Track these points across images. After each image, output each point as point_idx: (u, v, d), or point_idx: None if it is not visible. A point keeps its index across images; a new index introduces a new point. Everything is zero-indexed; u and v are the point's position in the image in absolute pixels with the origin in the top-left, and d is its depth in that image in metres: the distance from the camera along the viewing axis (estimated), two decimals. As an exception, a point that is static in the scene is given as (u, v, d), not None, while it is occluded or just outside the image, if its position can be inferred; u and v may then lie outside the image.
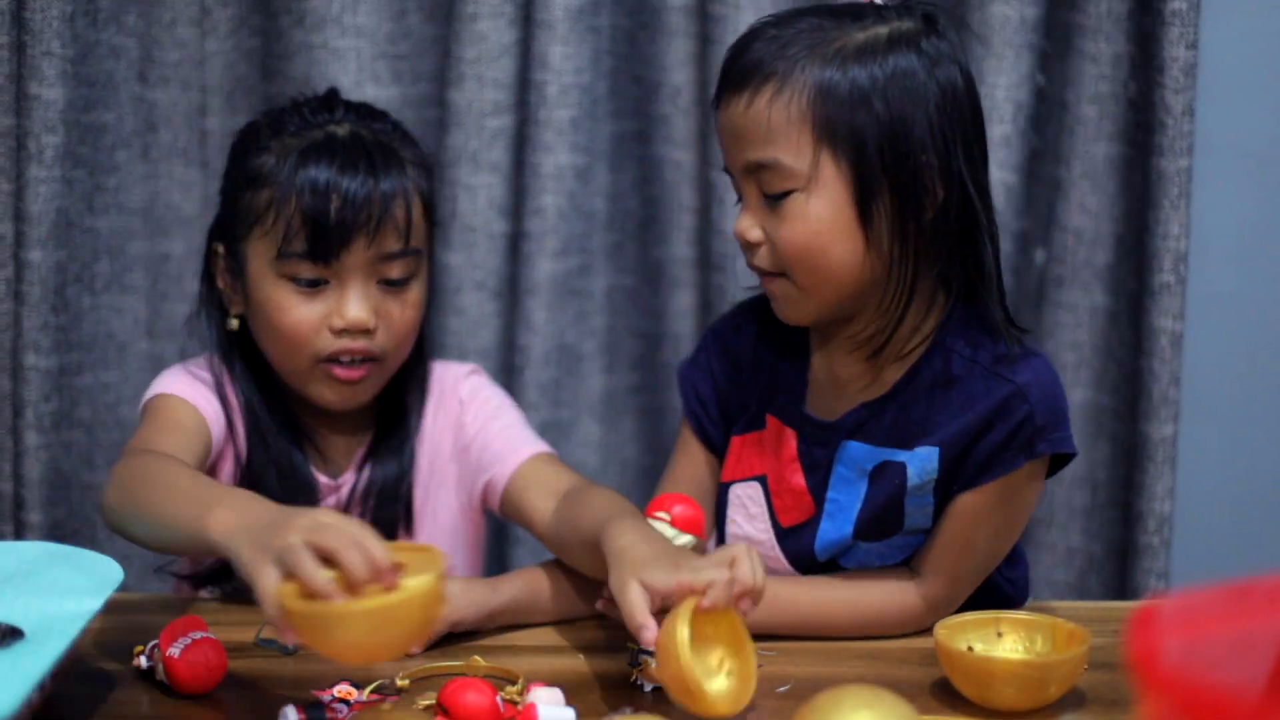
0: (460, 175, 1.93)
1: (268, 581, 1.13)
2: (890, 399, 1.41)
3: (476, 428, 1.60)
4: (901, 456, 1.39)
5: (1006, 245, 1.90)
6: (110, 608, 1.26)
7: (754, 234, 1.38)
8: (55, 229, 1.86)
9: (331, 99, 1.59)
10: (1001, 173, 1.87)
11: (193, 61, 1.95)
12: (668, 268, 2.00)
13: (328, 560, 1.13)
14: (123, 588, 1.28)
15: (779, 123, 1.34)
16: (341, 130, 1.53)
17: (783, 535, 1.46)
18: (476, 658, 1.34)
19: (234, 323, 1.56)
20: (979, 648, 1.30)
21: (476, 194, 1.94)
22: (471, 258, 1.96)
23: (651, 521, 1.36)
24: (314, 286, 1.51)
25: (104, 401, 1.95)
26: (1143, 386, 1.88)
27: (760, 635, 1.28)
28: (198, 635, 1.28)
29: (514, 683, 1.29)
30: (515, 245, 1.96)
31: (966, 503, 1.38)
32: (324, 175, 1.49)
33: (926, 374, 1.40)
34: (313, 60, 1.92)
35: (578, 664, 1.36)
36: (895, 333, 1.38)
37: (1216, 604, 0.87)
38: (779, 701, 1.26)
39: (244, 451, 1.55)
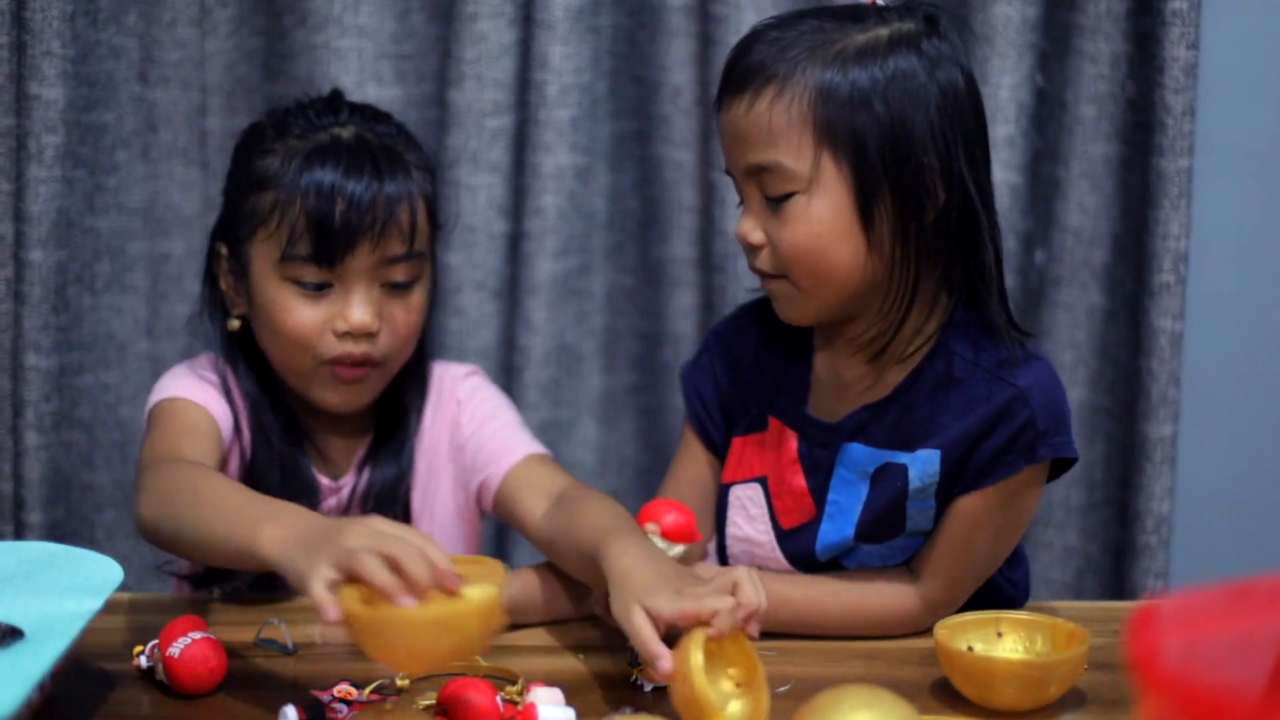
0: (460, 175, 1.93)
1: (323, 583, 1.13)
2: (892, 401, 1.41)
3: (473, 428, 1.60)
4: (903, 459, 1.39)
5: (1011, 245, 1.90)
6: (110, 608, 1.26)
7: (755, 236, 1.38)
8: (55, 229, 1.86)
9: (336, 100, 1.59)
10: (1005, 173, 1.87)
11: (193, 61, 1.95)
12: (668, 268, 2.00)
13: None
14: (123, 588, 1.28)
15: (780, 125, 1.34)
16: (346, 133, 1.53)
17: (783, 536, 1.46)
18: (477, 658, 1.34)
19: (235, 323, 1.56)
20: (979, 648, 1.30)
21: (476, 194, 1.94)
22: (471, 258, 1.96)
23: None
24: (318, 289, 1.50)
25: (104, 402, 1.95)
26: (1142, 386, 1.88)
27: (759, 634, 1.28)
28: (198, 635, 1.28)
29: (514, 683, 1.29)
30: (515, 245, 1.96)
31: (967, 506, 1.38)
32: (329, 178, 1.48)
33: (928, 376, 1.40)
34: (315, 60, 1.92)
35: (578, 664, 1.36)
36: (897, 335, 1.38)
37: (1216, 604, 0.87)
38: (779, 701, 1.26)
39: (248, 452, 1.55)
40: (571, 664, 1.36)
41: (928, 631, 1.34)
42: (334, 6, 1.91)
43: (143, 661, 1.31)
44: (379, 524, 1.18)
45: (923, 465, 1.38)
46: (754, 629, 1.22)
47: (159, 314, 1.98)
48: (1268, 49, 1.92)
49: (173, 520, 1.31)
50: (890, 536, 1.41)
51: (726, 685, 1.22)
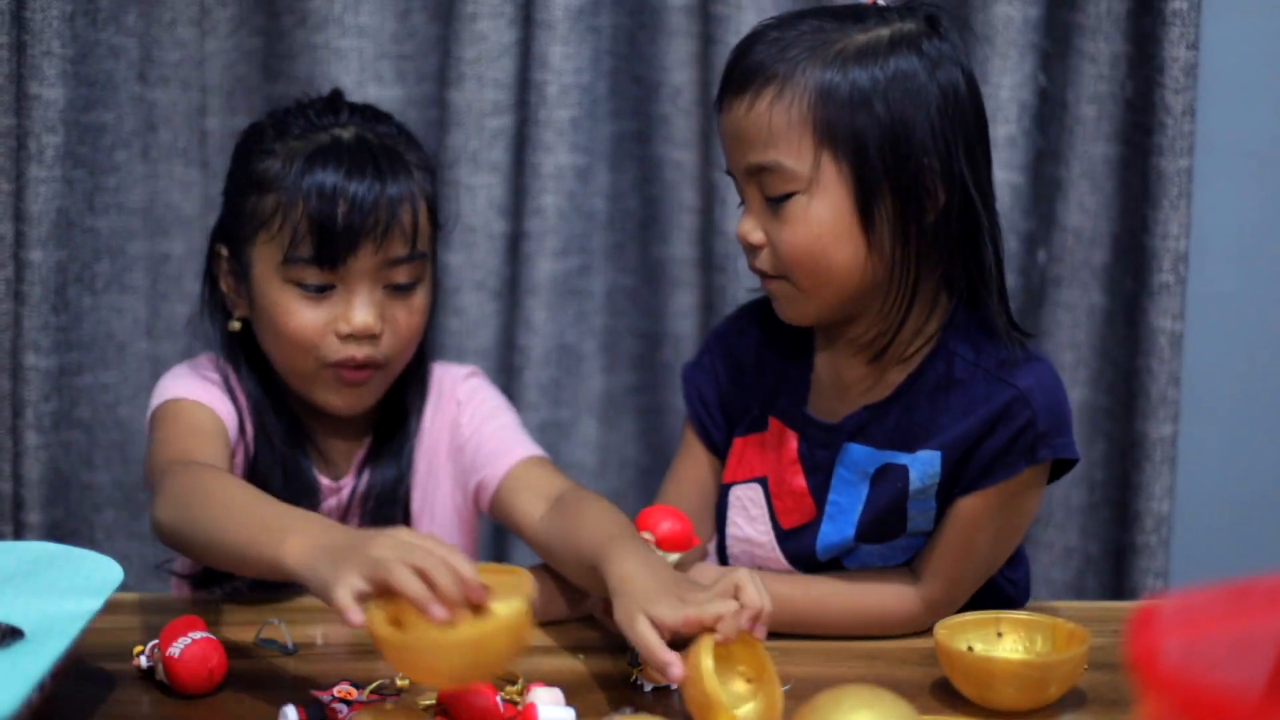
0: (460, 175, 1.93)
1: (349, 591, 1.13)
2: (893, 402, 1.41)
3: (472, 428, 1.60)
4: (903, 459, 1.39)
5: (1013, 246, 1.90)
6: (110, 608, 1.26)
7: (756, 236, 1.38)
8: (55, 229, 1.86)
9: (336, 101, 1.58)
10: (1006, 173, 1.87)
11: (193, 61, 1.95)
12: (668, 268, 2.00)
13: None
14: (123, 588, 1.28)
15: (780, 126, 1.34)
16: (346, 133, 1.52)
17: (783, 537, 1.46)
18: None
19: (236, 325, 1.56)
20: (979, 648, 1.30)
21: (476, 194, 1.94)
22: (471, 258, 1.96)
23: None
24: (320, 291, 1.50)
25: (103, 402, 1.95)
26: (1141, 386, 1.88)
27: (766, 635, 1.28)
28: (198, 635, 1.28)
29: (514, 683, 1.29)
30: (515, 245, 1.96)
31: (967, 507, 1.38)
32: (331, 180, 1.48)
33: (929, 377, 1.40)
34: (315, 60, 1.92)
35: (577, 664, 1.36)
36: (897, 335, 1.38)
37: (1216, 604, 0.87)
38: (779, 701, 1.26)
39: (250, 452, 1.54)
40: (571, 664, 1.36)
41: (928, 631, 1.34)
42: (334, 6, 1.91)
43: (143, 661, 1.31)
44: (405, 535, 1.18)
45: (923, 466, 1.38)
46: (761, 631, 1.22)
47: (159, 314, 1.98)
48: (1268, 49, 1.92)
49: (191, 526, 1.31)
50: (891, 537, 1.41)
51: (739, 687, 1.23)
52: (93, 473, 1.94)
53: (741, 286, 1.85)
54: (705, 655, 1.18)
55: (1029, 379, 1.36)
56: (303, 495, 1.53)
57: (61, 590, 1.25)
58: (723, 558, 1.51)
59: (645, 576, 1.25)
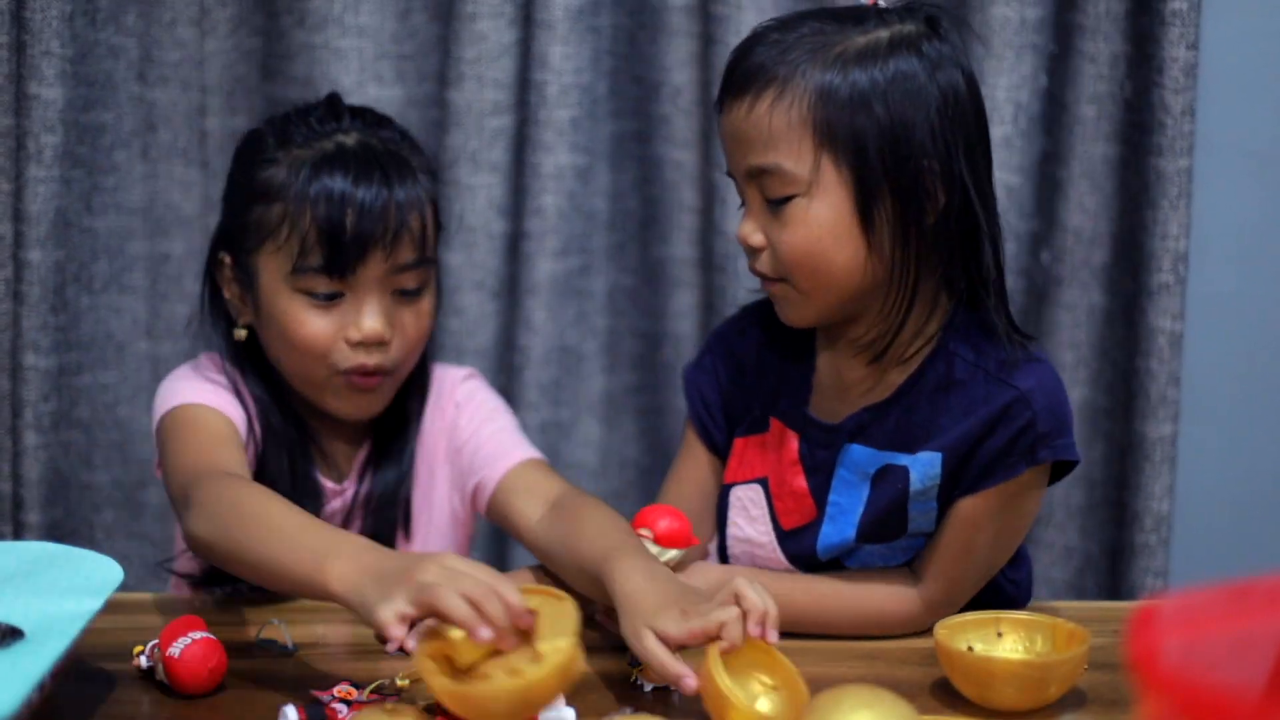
0: (460, 175, 1.93)
1: (391, 611, 1.14)
2: (893, 402, 1.41)
3: (470, 430, 1.60)
4: (904, 460, 1.39)
5: (1012, 247, 1.90)
6: (110, 608, 1.26)
7: (756, 239, 1.38)
8: (54, 229, 1.86)
9: (336, 106, 1.57)
10: (1001, 174, 1.87)
11: (192, 61, 1.95)
12: (668, 268, 2.00)
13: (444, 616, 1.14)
14: (123, 588, 1.28)
15: (780, 128, 1.34)
16: (350, 140, 1.51)
17: (784, 537, 1.46)
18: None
19: (241, 333, 1.55)
20: (979, 648, 1.30)
21: (476, 194, 1.94)
22: (471, 258, 1.96)
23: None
24: (329, 299, 1.50)
25: (102, 401, 1.95)
26: (1141, 386, 1.88)
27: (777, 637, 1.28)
28: (198, 635, 1.28)
29: (514, 683, 1.29)
30: (515, 245, 1.96)
31: (967, 508, 1.38)
32: (338, 188, 1.47)
33: (929, 378, 1.40)
34: (314, 60, 1.92)
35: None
36: (898, 336, 1.38)
37: (1216, 604, 0.87)
38: (779, 701, 1.26)
39: (258, 456, 1.54)
40: (571, 664, 1.36)
41: (928, 631, 1.34)
42: (334, 6, 1.91)
43: (143, 661, 1.31)
44: (451, 560, 1.18)
45: (924, 467, 1.38)
46: (772, 635, 1.22)
47: (158, 314, 1.98)
48: (1267, 49, 1.92)
49: (231, 542, 1.30)
50: (892, 538, 1.41)
51: (756, 686, 1.23)
52: (92, 473, 1.94)
53: (742, 286, 1.85)
54: (714, 657, 1.18)
55: (1029, 380, 1.36)
56: (307, 498, 1.53)
57: (61, 590, 1.25)
58: (723, 558, 1.51)
59: (649, 592, 1.25)
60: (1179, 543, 1.92)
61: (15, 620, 1.20)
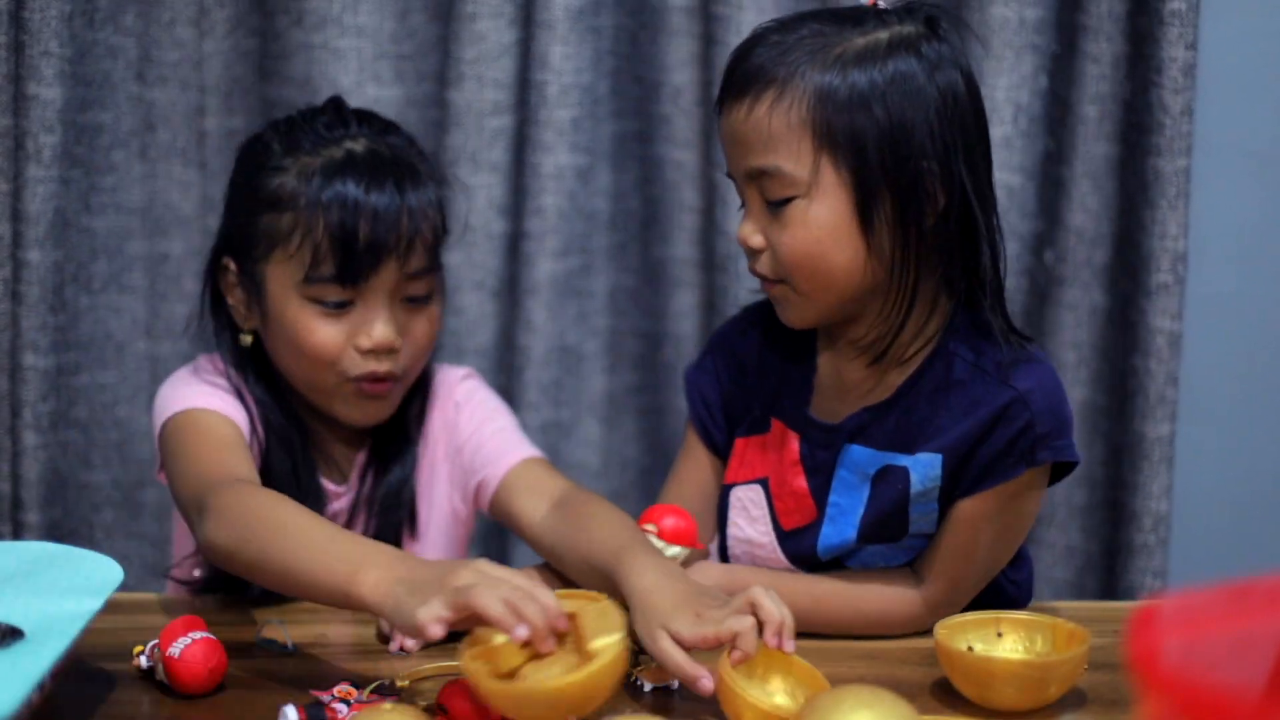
0: (460, 175, 1.93)
1: (429, 613, 1.14)
2: (893, 403, 1.41)
3: (471, 429, 1.60)
4: (904, 461, 1.39)
5: (1014, 247, 1.90)
6: (110, 608, 1.25)
7: (756, 240, 1.38)
8: (53, 229, 1.86)
9: (341, 110, 1.56)
10: (1001, 174, 1.87)
11: (190, 61, 1.94)
12: (669, 268, 2.00)
13: (480, 619, 1.14)
14: (123, 588, 1.28)
15: (779, 129, 1.34)
16: (359, 146, 1.50)
17: (784, 538, 1.46)
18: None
19: (247, 339, 1.55)
20: (979, 648, 1.30)
21: (476, 194, 1.94)
22: (471, 258, 1.96)
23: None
24: (339, 308, 1.49)
25: (101, 401, 1.95)
26: (1139, 386, 1.88)
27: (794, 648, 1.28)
28: (198, 635, 1.28)
29: (514, 683, 1.29)
30: (515, 245, 1.96)
31: (967, 509, 1.38)
32: (352, 196, 1.47)
33: (929, 378, 1.40)
34: (312, 60, 1.92)
35: (578, 664, 1.36)
36: (897, 337, 1.38)
37: (1216, 604, 0.87)
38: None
39: (262, 458, 1.53)
40: (571, 664, 1.36)
41: (928, 631, 1.34)
42: (333, 6, 1.91)
43: (143, 661, 1.31)
44: (486, 566, 1.18)
45: (924, 469, 1.38)
46: (788, 645, 1.22)
47: (157, 314, 1.97)
48: (1266, 49, 1.92)
49: (253, 552, 1.29)
50: (894, 539, 1.41)
51: (774, 685, 1.23)
52: (91, 472, 1.94)
53: (743, 286, 1.85)
54: (729, 675, 1.19)
55: (1029, 381, 1.36)
56: (310, 500, 1.53)
57: (61, 590, 1.25)
58: (724, 558, 1.51)
59: (664, 590, 1.26)
60: (1177, 543, 1.92)
61: (15, 620, 1.20)
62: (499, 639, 1.16)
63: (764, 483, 1.47)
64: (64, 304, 1.89)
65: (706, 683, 1.19)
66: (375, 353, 1.50)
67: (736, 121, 1.37)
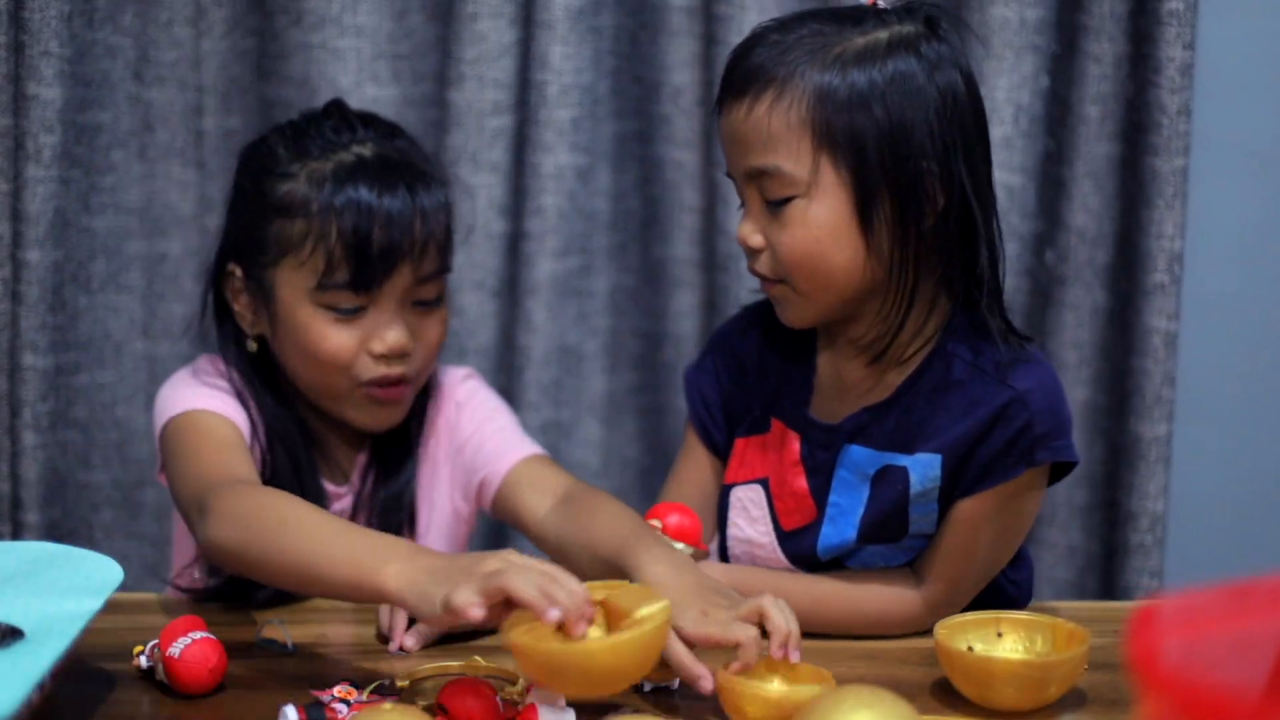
0: (460, 175, 1.93)
1: (464, 596, 1.14)
2: (892, 403, 1.41)
3: (472, 428, 1.60)
4: (903, 461, 1.39)
5: (1015, 247, 1.90)
6: (110, 608, 1.25)
7: (755, 240, 1.38)
8: (52, 229, 1.86)
9: (345, 113, 1.55)
10: (1001, 174, 1.87)
11: (189, 61, 1.94)
12: (669, 268, 2.00)
13: (510, 603, 1.15)
14: (122, 587, 1.28)
15: (779, 129, 1.34)
16: (367, 150, 1.50)
17: (784, 538, 1.46)
18: (476, 658, 1.34)
19: (253, 345, 1.54)
20: (979, 648, 1.31)
21: (476, 194, 1.94)
22: (471, 258, 1.96)
23: None
24: (351, 313, 1.49)
25: (100, 401, 1.94)
26: (1136, 386, 1.89)
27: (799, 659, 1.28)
28: (198, 635, 1.28)
29: (514, 683, 1.29)
30: (515, 245, 1.96)
31: (967, 510, 1.38)
32: (365, 201, 1.46)
33: (928, 378, 1.40)
34: (311, 60, 1.92)
35: (577, 664, 1.36)
36: (896, 337, 1.38)
37: (1216, 604, 0.87)
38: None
39: (263, 459, 1.53)
40: (571, 664, 1.36)
41: (928, 631, 1.34)
42: (331, 6, 1.91)
43: (143, 661, 1.31)
44: (513, 555, 1.19)
45: (924, 470, 1.38)
46: (794, 656, 1.23)
47: (156, 314, 1.97)
48: (1264, 49, 1.92)
49: (257, 549, 1.29)
50: (894, 539, 1.41)
51: (775, 682, 1.24)
52: (90, 472, 1.94)
53: (743, 286, 1.85)
54: (729, 679, 1.19)
55: (1028, 381, 1.36)
56: (311, 501, 1.52)
57: (61, 590, 1.25)
58: (724, 558, 1.51)
59: (673, 584, 1.26)
60: (1174, 543, 1.92)
61: (15, 620, 1.20)
62: (536, 622, 1.15)
63: (764, 483, 1.47)
64: (63, 304, 1.89)
65: (706, 683, 1.20)
66: (388, 357, 1.50)
67: (736, 121, 1.37)
